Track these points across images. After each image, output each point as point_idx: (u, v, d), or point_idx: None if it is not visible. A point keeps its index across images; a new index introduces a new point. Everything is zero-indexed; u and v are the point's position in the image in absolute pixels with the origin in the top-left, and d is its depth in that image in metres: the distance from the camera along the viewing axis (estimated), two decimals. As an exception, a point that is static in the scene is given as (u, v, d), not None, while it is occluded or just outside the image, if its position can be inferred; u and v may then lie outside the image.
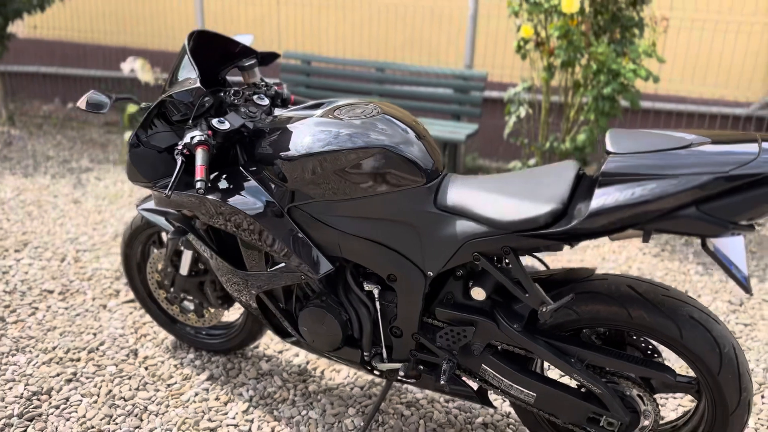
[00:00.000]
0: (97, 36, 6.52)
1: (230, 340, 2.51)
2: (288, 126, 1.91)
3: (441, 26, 5.29)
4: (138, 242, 2.49)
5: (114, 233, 3.70)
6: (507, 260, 1.73)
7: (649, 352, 1.83)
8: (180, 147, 1.84)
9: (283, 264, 1.94)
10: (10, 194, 4.25)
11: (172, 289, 2.43)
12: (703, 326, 1.68)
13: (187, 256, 2.31)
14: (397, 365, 2.01)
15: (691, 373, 1.81)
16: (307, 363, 2.56)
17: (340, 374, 2.49)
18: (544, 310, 1.70)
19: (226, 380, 2.45)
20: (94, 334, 2.72)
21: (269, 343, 2.69)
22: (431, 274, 1.84)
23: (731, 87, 4.68)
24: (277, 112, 2.10)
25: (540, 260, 1.94)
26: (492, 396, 2.34)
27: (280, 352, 2.63)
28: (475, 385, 2.07)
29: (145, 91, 6.16)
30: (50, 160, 4.98)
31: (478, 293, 1.81)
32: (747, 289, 1.54)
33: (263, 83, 2.18)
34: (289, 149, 1.86)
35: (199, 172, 1.77)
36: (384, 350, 2.02)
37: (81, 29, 6.55)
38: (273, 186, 1.90)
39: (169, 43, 6.26)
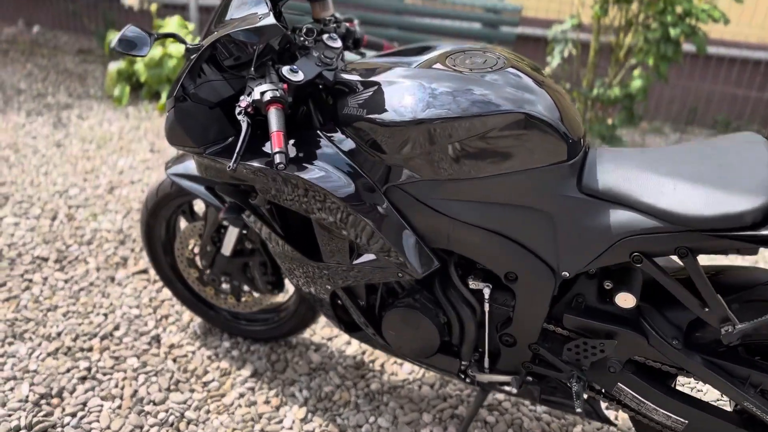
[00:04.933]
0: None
1: (276, 328, 2.12)
2: (384, 77, 1.46)
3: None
4: (164, 212, 2.04)
5: (108, 185, 3.21)
6: (683, 263, 1.35)
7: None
8: (244, 105, 1.39)
9: (372, 257, 1.53)
10: (-19, 134, 3.68)
11: (209, 270, 2.00)
12: None
13: (232, 234, 1.88)
14: (505, 378, 1.65)
15: None
16: (363, 353, 2.19)
17: (403, 368, 2.14)
18: (729, 330, 1.34)
19: (273, 376, 2.07)
20: (105, 315, 2.29)
21: (315, 328, 2.30)
22: (567, 274, 1.45)
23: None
24: (351, 56, 1.64)
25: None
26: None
27: (330, 339, 2.25)
28: (603, 405, 1.72)
29: (128, 17, 5.48)
30: (22, 94, 4.37)
31: (627, 300, 1.44)
32: None
33: (333, 19, 1.71)
34: (388, 110, 1.42)
35: (277, 141, 1.32)
36: (487, 359, 1.66)
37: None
38: (365, 159, 1.47)
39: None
